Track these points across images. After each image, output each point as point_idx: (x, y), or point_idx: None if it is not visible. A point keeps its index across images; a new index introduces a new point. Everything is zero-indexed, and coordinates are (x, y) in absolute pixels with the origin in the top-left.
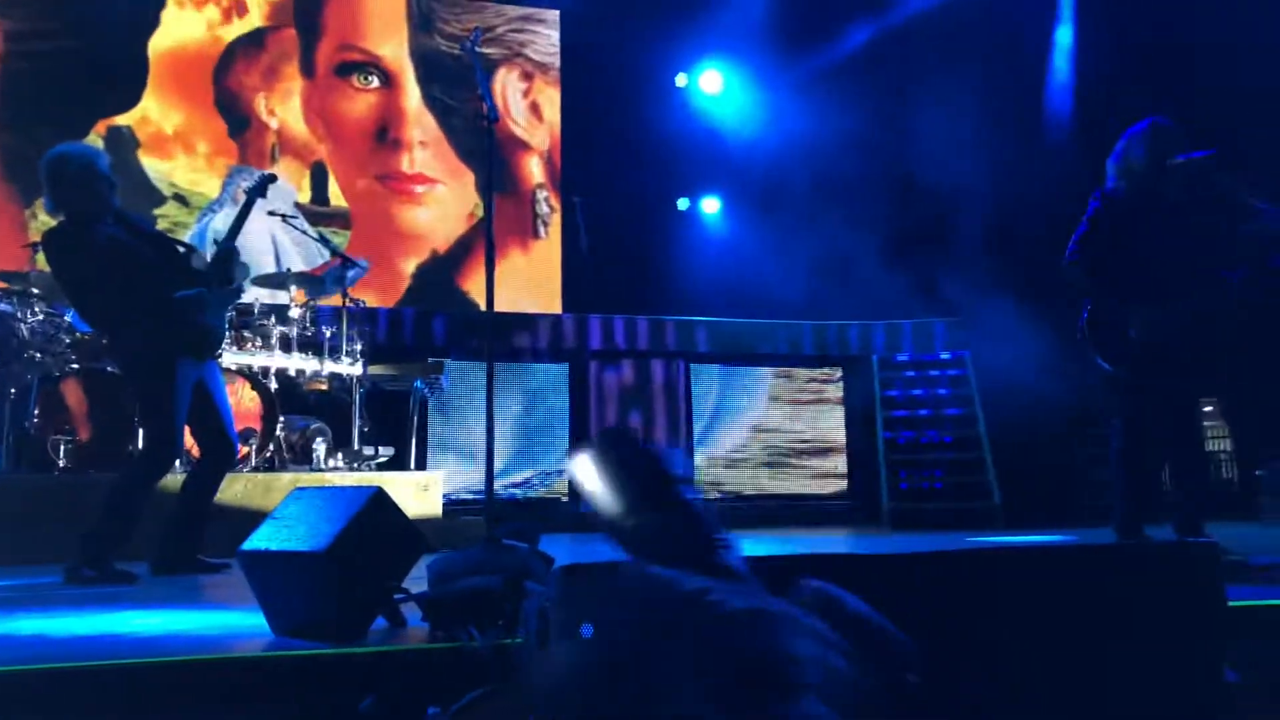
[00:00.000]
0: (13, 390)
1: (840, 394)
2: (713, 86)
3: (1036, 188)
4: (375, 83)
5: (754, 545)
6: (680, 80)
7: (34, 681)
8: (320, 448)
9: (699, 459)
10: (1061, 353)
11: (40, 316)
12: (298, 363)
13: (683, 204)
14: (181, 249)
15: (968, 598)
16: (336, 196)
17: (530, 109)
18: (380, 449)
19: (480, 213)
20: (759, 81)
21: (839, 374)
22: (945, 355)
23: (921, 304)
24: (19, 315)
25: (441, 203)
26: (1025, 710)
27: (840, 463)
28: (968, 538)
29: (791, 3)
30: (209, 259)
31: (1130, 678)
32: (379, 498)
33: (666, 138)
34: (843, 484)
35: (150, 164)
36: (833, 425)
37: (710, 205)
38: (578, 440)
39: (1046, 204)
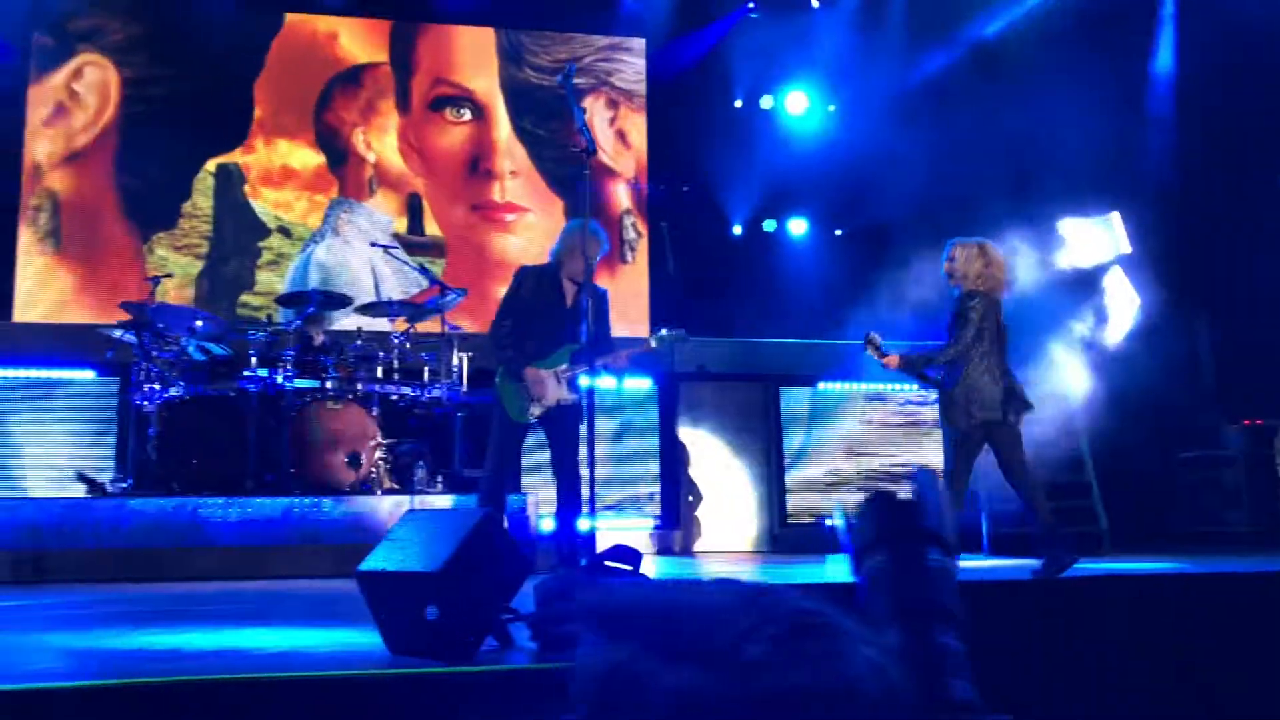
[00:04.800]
0: (135, 416)
1: (937, 416)
2: (798, 107)
3: (1142, 202)
4: (467, 115)
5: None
6: (766, 103)
7: (167, 693)
8: (421, 470)
9: (791, 483)
10: (1167, 369)
11: (160, 346)
12: (399, 388)
13: (769, 225)
14: None
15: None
16: (432, 226)
17: (617, 136)
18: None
19: None
20: (845, 101)
21: (935, 395)
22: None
23: (1016, 322)
24: (142, 345)
25: (532, 230)
26: None
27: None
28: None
29: (877, 21)
30: None
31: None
32: (488, 519)
33: (752, 160)
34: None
35: (256, 199)
36: (930, 448)
37: (797, 226)
38: (668, 464)
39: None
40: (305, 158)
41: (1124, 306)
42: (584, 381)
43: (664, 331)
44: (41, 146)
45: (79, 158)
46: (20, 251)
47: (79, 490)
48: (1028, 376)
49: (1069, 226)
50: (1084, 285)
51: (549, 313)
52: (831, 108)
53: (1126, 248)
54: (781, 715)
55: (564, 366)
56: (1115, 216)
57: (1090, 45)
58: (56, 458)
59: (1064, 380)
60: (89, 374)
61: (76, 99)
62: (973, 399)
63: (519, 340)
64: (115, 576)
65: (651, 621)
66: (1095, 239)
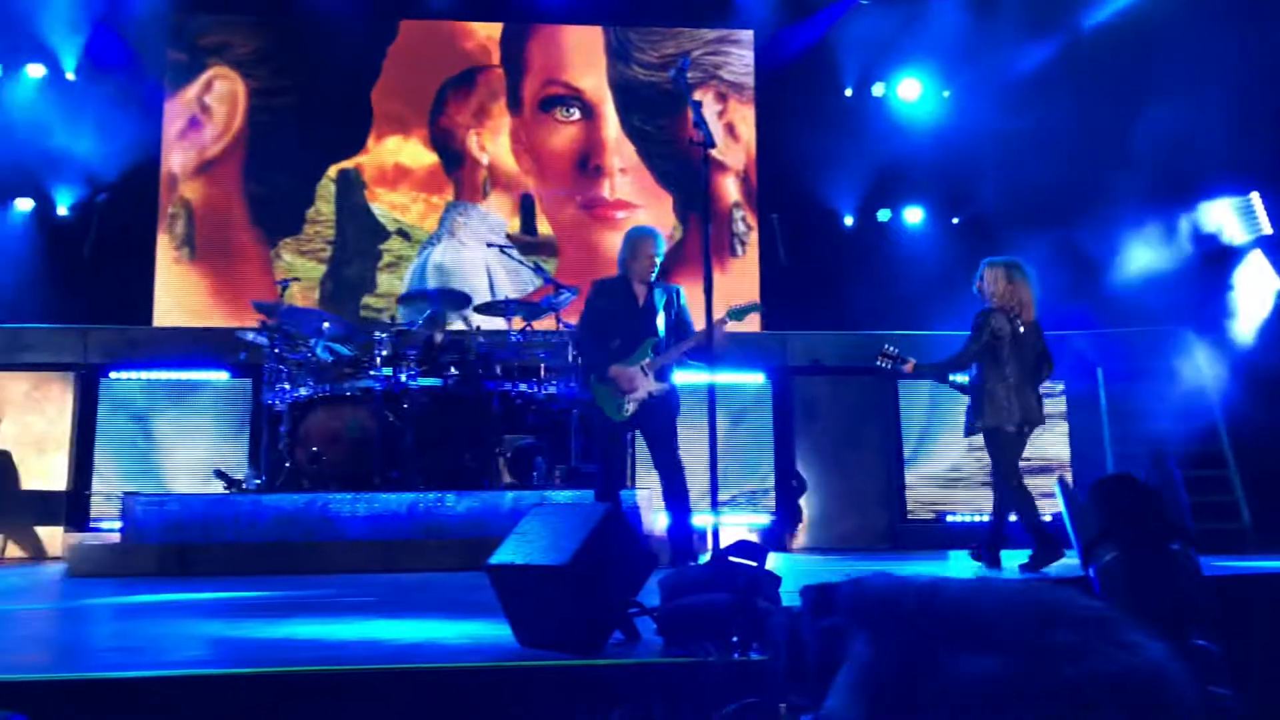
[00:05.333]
0: (268, 415)
1: (1063, 408)
2: (911, 94)
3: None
4: (577, 114)
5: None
6: (878, 90)
7: (313, 682)
8: (539, 466)
9: (910, 478)
10: None
11: (290, 347)
12: (516, 385)
13: (884, 215)
14: None
15: None
16: (544, 225)
17: (726, 129)
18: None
19: (679, 234)
20: (960, 86)
21: (1061, 388)
22: (1178, 362)
23: (1151, 310)
24: (273, 347)
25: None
26: None
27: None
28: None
29: (992, 2)
30: None
31: None
32: (612, 514)
33: (864, 149)
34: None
35: (375, 203)
36: (1055, 442)
37: (913, 215)
38: (782, 459)
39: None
40: (421, 161)
41: (1263, 290)
42: (678, 377)
43: (736, 305)
44: (176, 158)
45: (210, 167)
46: (159, 259)
47: (217, 486)
48: (1160, 367)
49: (1205, 208)
50: (1222, 269)
51: (625, 316)
52: (946, 93)
53: (1267, 229)
54: (1092, 704)
55: (648, 359)
56: (1255, 197)
57: (1222, 14)
58: (196, 455)
59: (1201, 369)
60: (223, 375)
61: (207, 111)
62: (983, 408)
63: (601, 346)
64: (251, 569)
65: (941, 615)
66: (1233, 221)
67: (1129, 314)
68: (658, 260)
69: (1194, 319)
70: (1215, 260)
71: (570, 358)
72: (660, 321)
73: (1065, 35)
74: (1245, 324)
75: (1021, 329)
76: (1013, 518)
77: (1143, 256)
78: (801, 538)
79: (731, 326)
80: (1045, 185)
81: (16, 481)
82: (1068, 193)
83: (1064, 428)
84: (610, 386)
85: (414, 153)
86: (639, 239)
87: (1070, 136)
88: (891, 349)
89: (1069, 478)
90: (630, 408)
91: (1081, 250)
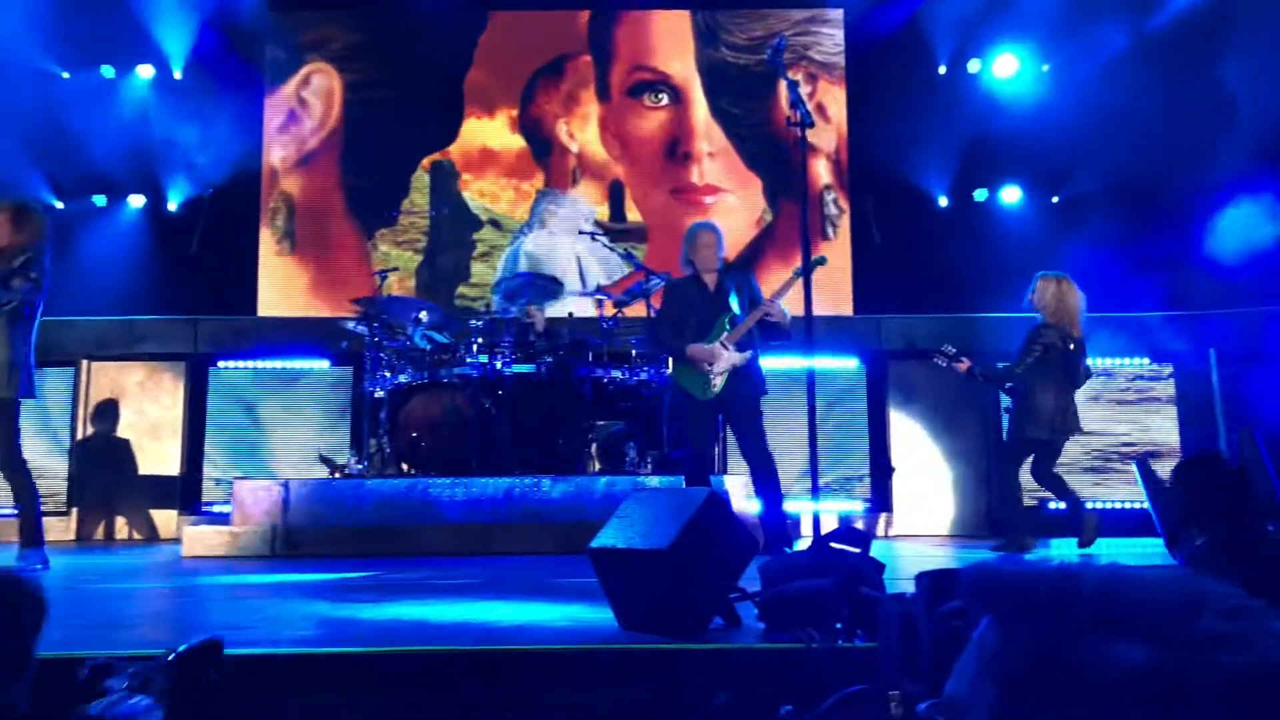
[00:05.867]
0: (368, 401)
1: (1172, 392)
2: (1007, 70)
3: None
4: (665, 100)
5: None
6: (973, 66)
7: (421, 661)
8: (631, 451)
9: None
10: None
11: (389, 336)
12: (608, 371)
13: (980, 195)
14: None
15: None
16: (633, 212)
17: (816, 110)
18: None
19: (769, 218)
20: (1060, 60)
21: (1169, 370)
22: None
23: (1268, 289)
24: (373, 335)
25: (730, 211)
26: None
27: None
28: None
29: None
30: None
31: None
32: (713, 499)
33: (960, 127)
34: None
35: (468, 193)
36: (1164, 427)
37: (1010, 194)
38: (877, 445)
39: None
40: (512, 150)
41: None
42: (770, 363)
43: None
44: (277, 152)
45: (309, 161)
46: (262, 251)
47: (322, 471)
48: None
49: None
50: None
51: (698, 306)
52: (1045, 68)
53: None
54: (1257, 694)
55: (725, 333)
56: None
57: None
58: (300, 441)
59: None
60: (325, 363)
61: (305, 106)
62: (1030, 417)
63: (677, 333)
64: (355, 552)
65: (1086, 602)
66: None
67: (1243, 294)
68: (719, 250)
69: None
70: None
71: (637, 354)
72: (734, 303)
73: (1168, 4)
74: None
75: (1071, 345)
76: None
77: (1254, 233)
78: (897, 525)
79: (822, 311)
80: (1148, 161)
81: (134, 467)
82: (1172, 169)
83: (1172, 411)
84: (691, 366)
85: (505, 142)
86: (695, 232)
87: (1174, 110)
88: (949, 348)
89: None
90: (717, 382)
91: (1187, 228)
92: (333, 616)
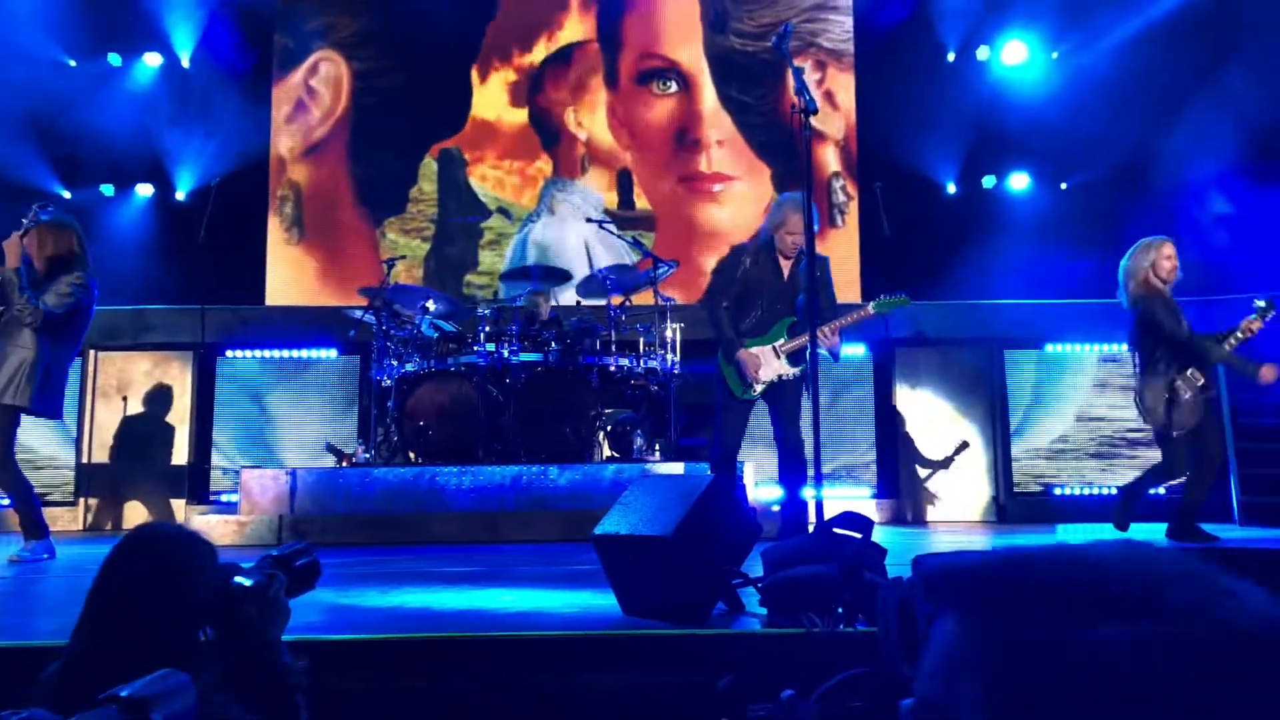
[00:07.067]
0: (376, 390)
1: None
2: (1016, 57)
3: None
4: (674, 87)
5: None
6: (982, 53)
7: (423, 648)
8: (639, 439)
9: (1017, 450)
10: None
11: (397, 325)
12: (616, 359)
13: (989, 181)
14: None
15: None
16: (641, 200)
17: (825, 98)
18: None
19: None
20: (1069, 47)
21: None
22: None
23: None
24: (380, 324)
25: (739, 199)
26: None
27: None
28: None
29: None
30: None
31: None
32: (717, 485)
33: (968, 114)
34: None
35: (476, 181)
36: None
37: (1019, 181)
38: (884, 432)
39: None
40: (520, 139)
41: None
42: (825, 352)
43: (884, 297)
44: (285, 141)
45: (316, 150)
46: (270, 240)
47: (329, 460)
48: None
49: None
50: None
51: (766, 288)
52: (1055, 55)
53: None
54: (1224, 661)
55: (782, 340)
56: None
57: None
58: (308, 430)
59: None
60: (333, 352)
61: (313, 94)
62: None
63: (735, 320)
64: (362, 540)
65: (1043, 588)
66: None
67: (1243, 279)
68: (803, 238)
69: None
70: None
71: (668, 326)
72: (799, 300)
73: None
74: None
75: None
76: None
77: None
78: (905, 512)
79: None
80: (1156, 148)
81: (142, 457)
82: (1183, 157)
83: None
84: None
85: (513, 130)
86: (790, 206)
87: (1183, 97)
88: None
89: None
90: (757, 389)
91: (1196, 215)
92: (338, 604)
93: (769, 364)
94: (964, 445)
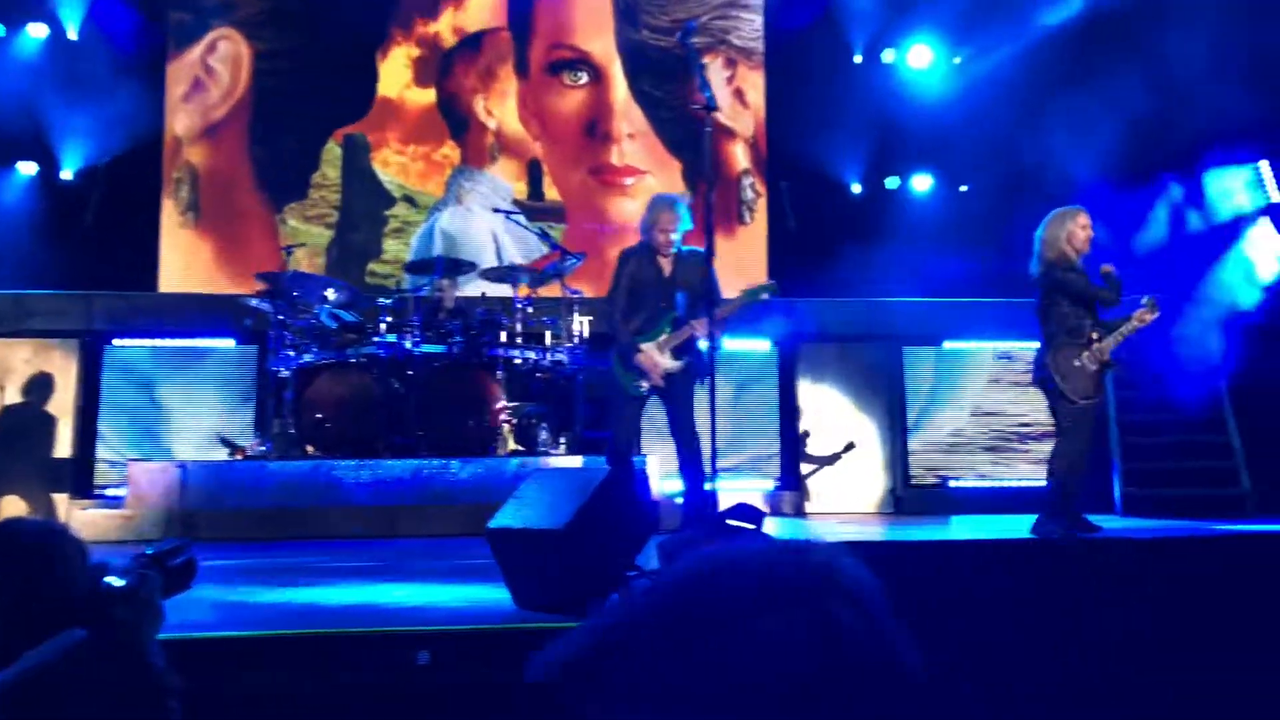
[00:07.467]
0: (273, 381)
1: None
2: (921, 61)
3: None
4: (585, 79)
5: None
6: (888, 56)
7: (308, 644)
8: (544, 432)
9: (914, 444)
10: None
11: (295, 314)
12: (522, 352)
13: (892, 182)
14: None
15: None
16: (551, 191)
17: (734, 96)
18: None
19: (688, 202)
20: (971, 53)
21: None
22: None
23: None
24: (278, 313)
25: (650, 193)
26: None
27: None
28: (1214, 527)
29: None
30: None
31: None
32: (613, 478)
33: (874, 116)
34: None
35: (381, 168)
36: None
37: (921, 182)
38: (788, 426)
39: None
40: (426, 122)
41: (1268, 259)
42: (704, 345)
43: (751, 286)
44: (180, 121)
45: (215, 131)
46: (163, 224)
47: (222, 453)
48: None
49: (1213, 177)
50: (1229, 237)
51: (650, 288)
52: (957, 60)
53: (1275, 197)
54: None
55: (665, 336)
56: (1264, 165)
57: None
58: (201, 422)
59: (1205, 338)
60: (229, 342)
61: (211, 73)
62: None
63: (627, 320)
64: (256, 535)
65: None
66: (1241, 189)
67: (1131, 283)
68: (676, 235)
69: (1197, 286)
70: (1223, 228)
71: (575, 319)
72: (681, 302)
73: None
74: (1251, 291)
75: None
76: None
77: (1150, 225)
78: (807, 503)
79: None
80: (1054, 154)
81: (21, 449)
82: (1080, 160)
83: None
84: (629, 367)
85: (418, 111)
86: (659, 208)
87: (1082, 102)
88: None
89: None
90: (645, 385)
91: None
92: (225, 601)
93: (655, 365)
94: (850, 445)
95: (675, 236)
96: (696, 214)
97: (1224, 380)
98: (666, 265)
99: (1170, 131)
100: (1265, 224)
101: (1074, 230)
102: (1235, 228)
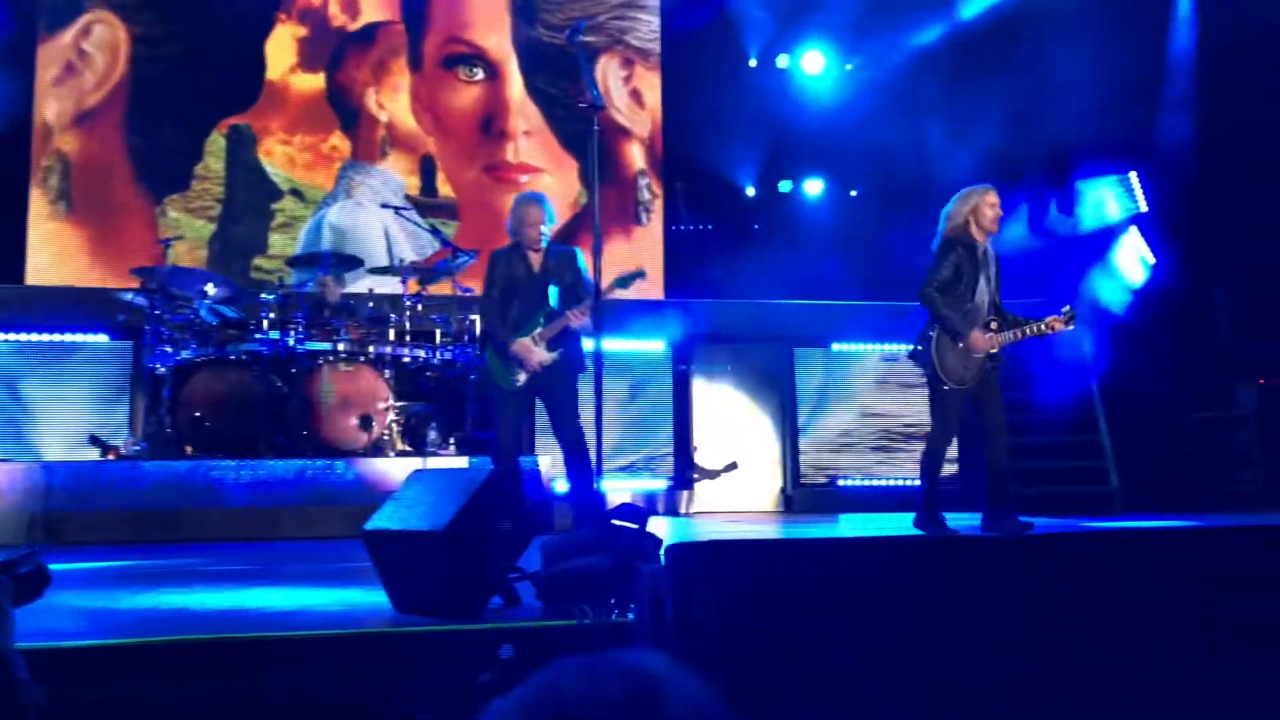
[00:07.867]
0: (149, 379)
1: None
2: (814, 67)
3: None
4: (480, 74)
5: (856, 528)
6: (782, 61)
7: (174, 652)
8: (433, 432)
9: (804, 444)
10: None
11: (173, 309)
12: (411, 350)
13: (785, 186)
14: None
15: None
16: (444, 187)
17: (631, 96)
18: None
19: (584, 200)
20: (862, 60)
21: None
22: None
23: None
24: (154, 308)
25: (545, 191)
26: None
27: (953, 447)
28: (1083, 524)
29: None
30: None
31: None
32: (495, 479)
33: (768, 119)
34: (954, 468)
35: (268, 160)
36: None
37: (813, 186)
38: (681, 426)
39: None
40: (316, 115)
41: (1137, 266)
42: (589, 344)
43: (620, 274)
44: (51, 107)
45: (89, 118)
46: (31, 214)
47: (92, 453)
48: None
49: (1086, 186)
50: (1099, 245)
51: (521, 284)
52: (848, 66)
53: (1144, 206)
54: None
55: (540, 330)
56: (1133, 176)
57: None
58: (70, 421)
59: (1076, 342)
60: (102, 337)
61: (86, 58)
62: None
63: (502, 316)
64: (129, 538)
65: None
66: (1111, 198)
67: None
68: (544, 228)
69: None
70: (1094, 236)
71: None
72: (553, 295)
73: (958, 14)
74: (1120, 297)
75: None
76: None
77: (1023, 230)
78: (697, 502)
79: (620, 294)
80: (943, 159)
81: None
82: (963, 166)
83: None
84: (503, 359)
85: (309, 109)
86: (524, 206)
87: (966, 111)
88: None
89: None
90: (521, 378)
91: None
92: (88, 607)
93: (531, 357)
94: (733, 465)
95: (545, 230)
96: (606, 215)
97: (1095, 381)
98: (537, 261)
99: (1045, 141)
100: (1134, 232)
101: (981, 207)
102: (1106, 235)
